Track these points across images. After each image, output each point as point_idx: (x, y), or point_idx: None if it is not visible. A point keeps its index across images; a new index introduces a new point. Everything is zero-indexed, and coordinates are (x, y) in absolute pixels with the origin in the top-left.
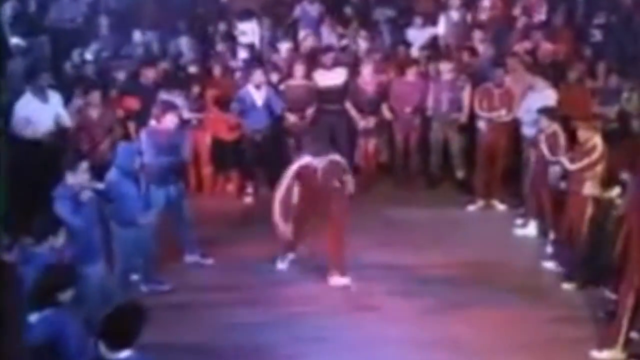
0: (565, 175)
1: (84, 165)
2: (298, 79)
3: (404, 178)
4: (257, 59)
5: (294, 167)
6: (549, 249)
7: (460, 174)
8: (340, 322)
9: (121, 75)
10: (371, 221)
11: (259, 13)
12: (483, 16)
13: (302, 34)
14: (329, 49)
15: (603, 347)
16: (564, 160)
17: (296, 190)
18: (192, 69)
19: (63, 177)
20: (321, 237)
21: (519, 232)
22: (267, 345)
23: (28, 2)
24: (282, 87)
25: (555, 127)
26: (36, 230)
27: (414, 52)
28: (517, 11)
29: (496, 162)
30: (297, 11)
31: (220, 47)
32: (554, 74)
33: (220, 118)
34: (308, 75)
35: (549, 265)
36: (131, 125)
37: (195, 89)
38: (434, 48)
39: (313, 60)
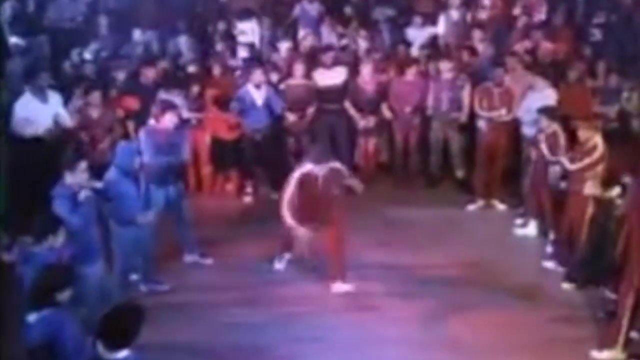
0: (566, 175)
1: (83, 165)
2: (298, 78)
3: (403, 177)
4: (257, 59)
5: (296, 175)
6: (549, 249)
7: (460, 173)
8: (339, 322)
9: (121, 75)
10: (371, 221)
11: (259, 12)
12: (483, 15)
13: (301, 33)
14: (328, 48)
15: (603, 347)
16: (565, 160)
17: (297, 199)
18: (192, 69)
19: (62, 177)
20: (320, 239)
21: (519, 231)
22: (266, 345)
23: (27, 2)
24: (282, 86)
25: (555, 126)
26: (36, 230)
27: (414, 51)
28: (517, 11)
29: (496, 162)
30: (297, 10)
31: (219, 46)
32: (554, 73)
33: (219, 118)
34: (308, 75)
35: (549, 265)
36: (130, 125)
37: (195, 89)
38: (433, 47)
39: (313, 59)
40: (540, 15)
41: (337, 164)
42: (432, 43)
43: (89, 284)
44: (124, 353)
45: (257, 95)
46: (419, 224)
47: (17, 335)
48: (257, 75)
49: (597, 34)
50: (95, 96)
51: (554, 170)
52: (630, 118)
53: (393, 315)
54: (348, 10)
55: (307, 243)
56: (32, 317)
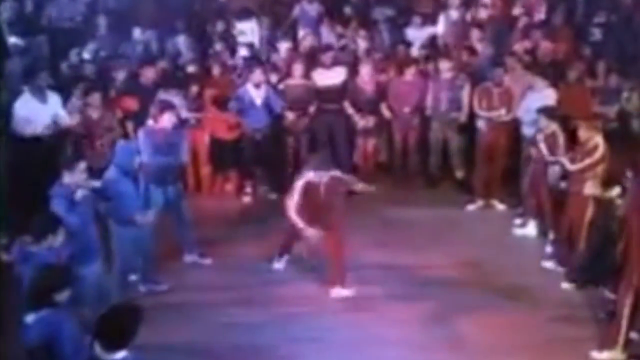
0: (565, 175)
1: (82, 165)
2: (297, 78)
3: (402, 178)
4: (256, 59)
5: (300, 183)
6: (549, 249)
7: (459, 173)
8: (338, 323)
9: (121, 75)
10: (370, 221)
11: (258, 12)
12: (483, 15)
13: (301, 33)
14: (328, 48)
15: (603, 347)
16: (565, 161)
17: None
18: (191, 69)
19: (60, 176)
20: (321, 243)
21: (519, 232)
22: (265, 345)
23: (26, 2)
24: (281, 86)
25: (554, 126)
26: (35, 229)
27: (414, 51)
28: (517, 11)
29: (496, 162)
30: (296, 11)
31: (218, 46)
32: (554, 73)
33: (218, 118)
34: (307, 75)
35: (549, 265)
36: (130, 125)
37: (194, 89)
38: (433, 47)
39: (312, 59)
40: (540, 15)
41: (337, 172)
42: (432, 43)
43: (87, 284)
44: (121, 354)
45: (256, 95)
46: (418, 224)
47: (16, 335)
48: (257, 75)
49: (597, 34)
50: (95, 97)
51: (553, 170)
52: (630, 118)
53: (392, 316)
54: (347, 10)
55: (314, 244)
56: (30, 318)
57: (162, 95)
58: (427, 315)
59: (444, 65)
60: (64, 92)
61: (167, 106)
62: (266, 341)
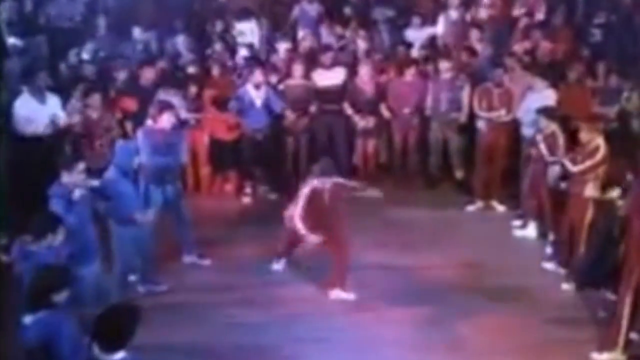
0: (565, 175)
1: (81, 165)
2: (297, 78)
3: (402, 178)
4: (256, 59)
5: (306, 191)
6: (549, 250)
7: (459, 174)
8: (338, 323)
9: (122, 75)
10: (369, 221)
11: (258, 13)
12: (483, 15)
13: (301, 33)
14: (327, 48)
15: (603, 348)
16: (567, 162)
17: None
18: (191, 69)
19: (59, 176)
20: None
21: (518, 232)
22: (264, 346)
23: (25, 2)
24: (281, 87)
25: (554, 127)
26: (35, 228)
27: (414, 52)
28: (517, 11)
29: (495, 162)
30: (296, 11)
31: (218, 46)
32: (553, 74)
33: (218, 118)
34: (307, 75)
35: (549, 266)
36: (129, 126)
37: (193, 89)
38: (432, 48)
39: (312, 60)
40: (540, 15)
41: (340, 179)
42: (431, 43)
43: (86, 285)
44: (120, 355)
45: (256, 95)
46: (418, 224)
47: (15, 335)
48: (257, 75)
49: (597, 34)
50: (95, 98)
51: (553, 170)
52: (630, 118)
53: (392, 317)
54: (347, 10)
55: (313, 247)
56: (28, 319)
57: (162, 95)
58: (427, 316)
59: (444, 65)
60: (63, 93)
61: (166, 106)
62: (266, 342)
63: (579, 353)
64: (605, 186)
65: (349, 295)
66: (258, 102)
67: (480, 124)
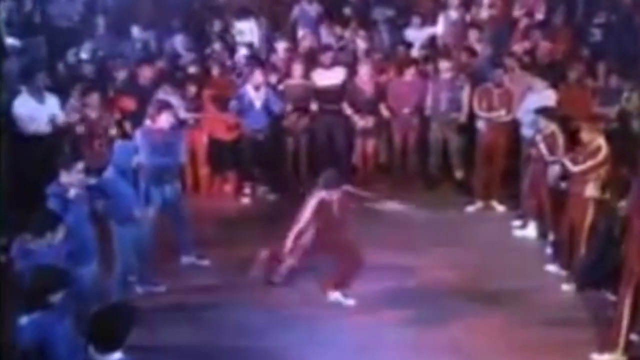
0: (565, 175)
1: (80, 165)
2: (297, 78)
3: (402, 178)
4: (256, 59)
5: (312, 203)
6: (549, 250)
7: (459, 174)
8: (337, 325)
9: (122, 75)
10: (369, 222)
11: (257, 12)
12: (484, 15)
13: (300, 33)
14: (327, 48)
15: (603, 349)
16: (567, 162)
17: (312, 226)
18: (192, 69)
19: (57, 175)
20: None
21: (518, 233)
22: (263, 348)
23: (24, 2)
24: (281, 86)
25: (553, 127)
26: (34, 226)
27: (414, 52)
28: (517, 12)
29: (495, 163)
30: (296, 11)
31: (217, 45)
32: (553, 74)
33: (217, 118)
34: (306, 75)
35: (551, 268)
36: (128, 125)
37: (192, 89)
38: (432, 48)
39: (311, 59)
40: (540, 16)
41: (349, 188)
42: (431, 43)
43: (84, 285)
44: (116, 356)
45: (256, 97)
46: (418, 225)
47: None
48: (257, 76)
49: (597, 34)
50: (94, 97)
51: (553, 169)
52: (630, 118)
53: (392, 317)
54: (347, 10)
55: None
56: (23, 320)
57: (161, 95)
58: (426, 317)
59: (444, 65)
60: (62, 93)
61: (165, 106)
62: (265, 343)
63: (579, 354)
64: (605, 186)
65: (348, 301)
66: (258, 104)
67: (480, 124)
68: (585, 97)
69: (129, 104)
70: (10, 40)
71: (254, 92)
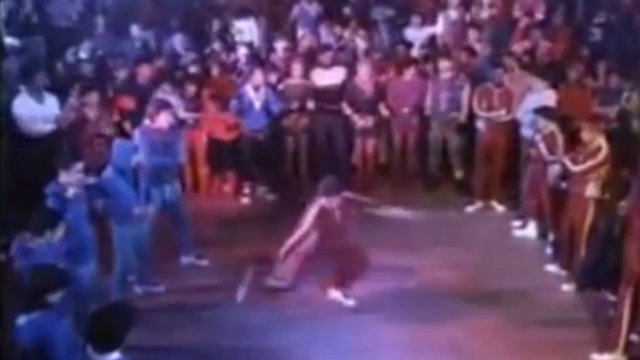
0: (565, 175)
1: (79, 165)
2: (296, 78)
3: (402, 178)
4: (256, 57)
5: (313, 211)
6: (549, 250)
7: (458, 174)
8: (337, 325)
9: (121, 74)
10: (368, 222)
11: (256, 12)
12: (484, 14)
13: (300, 33)
14: (327, 47)
15: (604, 349)
16: (568, 162)
17: (314, 234)
18: (191, 69)
19: (56, 175)
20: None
21: (518, 233)
22: (263, 348)
23: (23, 2)
24: (280, 86)
25: (553, 127)
26: (34, 225)
27: (413, 51)
28: (517, 12)
29: (495, 162)
30: (296, 10)
31: (216, 45)
32: (553, 74)
33: (217, 118)
34: (306, 75)
35: (551, 268)
36: (127, 125)
37: (192, 88)
38: (432, 47)
39: (311, 59)
40: (539, 15)
41: (349, 194)
42: (431, 43)
43: (82, 284)
44: (114, 356)
45: (255, 97)
46: (417, 225)
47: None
48: (257, 76)
49: (597, 34)
50: (93, 97)
51: (553, 169)
52: (631, 118)
53: (391, 317)
54: (347, 10)
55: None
56: (22, 320)
57: (160, 94)
58: (427, 317)
59: (444, 65)
60: (61, 92)
61: (164, 105)
62: (264, 343)
63: (579, 354)
64: (605, 186)
65: (348, 301)
66: (257, 104)
67: (480, 124)
68: (585, 97)
69: (128, 103)
70: (9, 40)
71: (254, 92)
